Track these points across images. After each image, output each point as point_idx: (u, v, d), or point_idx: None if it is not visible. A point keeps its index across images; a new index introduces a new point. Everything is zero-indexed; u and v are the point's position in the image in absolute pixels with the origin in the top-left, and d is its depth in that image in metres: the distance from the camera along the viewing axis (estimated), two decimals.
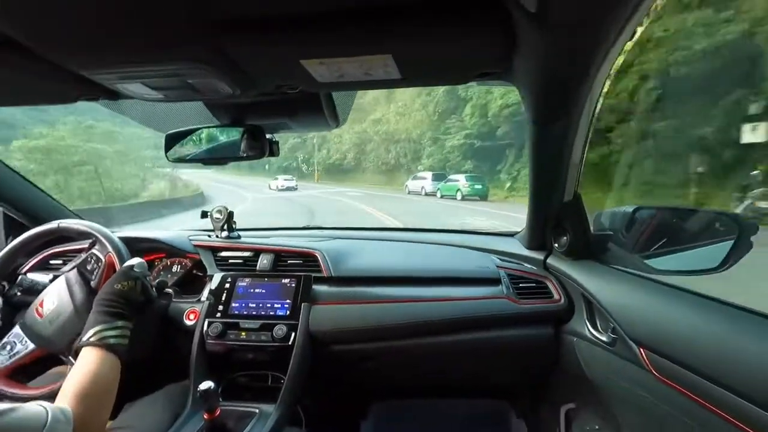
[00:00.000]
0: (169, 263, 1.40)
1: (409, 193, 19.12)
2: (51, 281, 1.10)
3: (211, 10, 0.56)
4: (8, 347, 1.03)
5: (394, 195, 18.86)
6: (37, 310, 1.05)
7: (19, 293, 1.14)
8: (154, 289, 1.00)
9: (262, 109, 1.00)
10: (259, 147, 1.02)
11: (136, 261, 0.98)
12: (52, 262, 1.32)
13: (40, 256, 1.32)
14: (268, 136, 1.05)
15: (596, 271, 1.06)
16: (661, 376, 0.75)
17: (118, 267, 1.05)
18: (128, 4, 0.53)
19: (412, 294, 1.20)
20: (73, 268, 1.11)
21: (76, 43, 0.62)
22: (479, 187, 15.69)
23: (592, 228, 1.12)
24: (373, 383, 1.48)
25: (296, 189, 23.07)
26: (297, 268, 1.30)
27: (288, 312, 1.15)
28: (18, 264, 1.26)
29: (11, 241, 1.17)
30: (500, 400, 1.52)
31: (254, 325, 1.13)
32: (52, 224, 1.16)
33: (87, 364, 0.76)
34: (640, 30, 0.67)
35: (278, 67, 0.74)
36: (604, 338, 0.96)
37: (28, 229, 1.18)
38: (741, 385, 0.58)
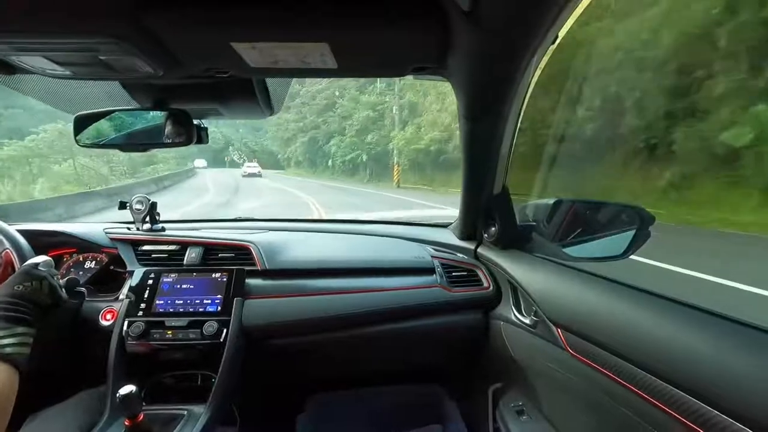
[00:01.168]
0: (81, 259, 1.27)
1: None
2: None
3: None
4: None
5: None
6: None
7: None
8: (63, 289, 0.90)
9: (189, 92, 0.94)
10: (185, 133, 0.96)
11: (40, 259, 0.87)
12: None
13: None
14: (195, 121, 0.99)
15: (521, 260, 1.13)
16: (575, 354, 0.82)
17: (17, 266, 0.92)
18: None
19: (349, 285, 1.21)
20: None
21: None
22: None
23: (518, 219, 1.20)
24: (309, 376, 1.47)
25: (260, 176, 25.11)
26: (229, 262, 1.24)
27: (219, 308, 1.10)
28: None
29: None
30: (434, 384, 1.59)
31: (182, 322, 1.06)
32: None
33: None
34: (563, 33, 0.72)
35: (207, 48, 0.70)
36: (527, 321, 1.04)
37: None
38: (641, 357, 0.65)
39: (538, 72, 0.85)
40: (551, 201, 1.13)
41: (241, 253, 1.25)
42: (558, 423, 1.00)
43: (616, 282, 0.81)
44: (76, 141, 0.95)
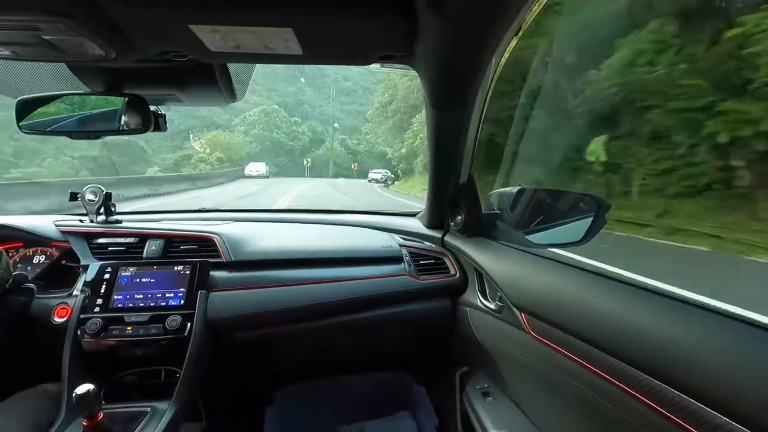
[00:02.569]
0: (29, 253, 1.19)
1: None
2: None
3: None
4: None
5: None
6: None
7: None
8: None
9: (145, 77, 0.89)
10: (141, 120, 0.91)
11: None
12: None
13: None
14: (153, 107, 0.94)
15: (487, 247, 1.16)
16: (537, 336, 0.86)
17: None
18: None
19: (317, 275, 1.20)
20: None
21: None
22: None
23: (483, 207, 1.23)
24: (277, 368, 1.46)
25: (387, 184, 19.33)
26: (192, 254, 1.20)
27: (182, 301, 1.06)
28: None
29: None
30: (403, 370, 1.62)
31: (142, 317, 1.02)
32: None
33: None
34: (525, 25, 0.73)
35: (163, 30, 0.66)
36: (492, 306, 1.07)
37: None
38: (598, 338, 0.69)
39: (502, 62, 0.87)
40: (515, 190, 1.16)
41: (204, 245, 1.21)
42: (521, 402, 1.04)
43: (576, 267, 0.85)
44: (19, 127, 0.89)
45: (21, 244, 1.19)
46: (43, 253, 1.19)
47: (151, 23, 0.64)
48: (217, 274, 1.15)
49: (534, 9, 0.65)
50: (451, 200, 1.26)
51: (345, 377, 1.56)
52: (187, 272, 1.11)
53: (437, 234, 1.38)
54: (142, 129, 0.92)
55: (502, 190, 1.24)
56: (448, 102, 0.97)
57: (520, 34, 0.74)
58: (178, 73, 0.89)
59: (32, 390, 0.96)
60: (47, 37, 0.63)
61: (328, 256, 1.26)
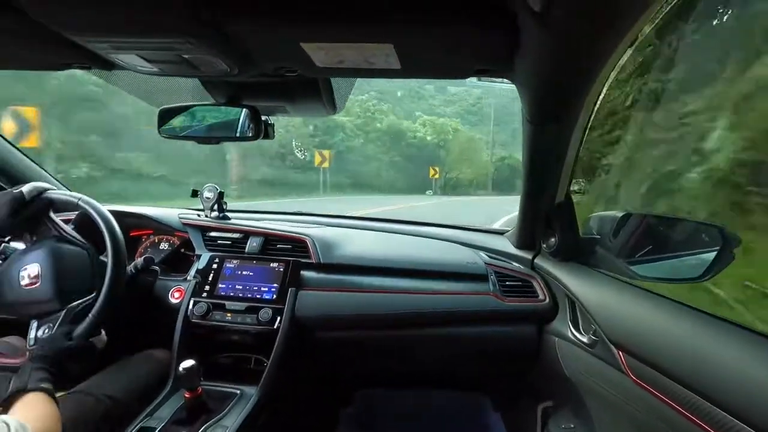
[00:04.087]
0: (156, 240, 1.39)
1: None
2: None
3: None
4: None
5: None
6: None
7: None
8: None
9: (260, 90, 0.99)
10: (254, 129, 1.02)
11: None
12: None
13: None
14: (263, 118, 1.04)
15: (582, 274, 1.07)
16: (638, 380, 0.76)
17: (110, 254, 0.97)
18: None
19: (400, 285, 1.21)
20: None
21: (69, 6, 0.61)
22: None
23: (580, 231, 1.13)
24: (354, 371, 1.50)
25: None
26: (286, 253, 1.29)
27: (275, 296, 1.15)
28: None
29: None
30: (479, 393, 1.55)
31: (240, 307, 1.13)
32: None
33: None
34: (640, 37, 0.67)
35: (278, 48, 0.73)
36: (585, 339, 0.98)
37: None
38: (712, 391, 0.59)
39: (612, 75, 0.80)
40: (619, 214, 1.06)
41: (298, 245, 1.30)
42: None
43: (689, 306, 0.74)
44: (159, 132, 1.05)
45: (151, 231, 1.40)
46: (167, 241, 1.38)
47: (268, 43, 0.71)
48: (306, 273, 1.22)
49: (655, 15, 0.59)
50: (545, 220, 1.18)
51: (421, 391, 1.55)
52: (281, 269, 1.20)
53: (527, 255, 1.30)
54: (255, 137, 1.03)
55: (604, 213, 1.13)
56: (548, 117, 0.92)
57: (634, 46, 0.67)
58: (288, 87, 0.97)
59: (142, 354, 1.11)
60: (187, 56, 0.74)
61: (412, 267, 1.27)
